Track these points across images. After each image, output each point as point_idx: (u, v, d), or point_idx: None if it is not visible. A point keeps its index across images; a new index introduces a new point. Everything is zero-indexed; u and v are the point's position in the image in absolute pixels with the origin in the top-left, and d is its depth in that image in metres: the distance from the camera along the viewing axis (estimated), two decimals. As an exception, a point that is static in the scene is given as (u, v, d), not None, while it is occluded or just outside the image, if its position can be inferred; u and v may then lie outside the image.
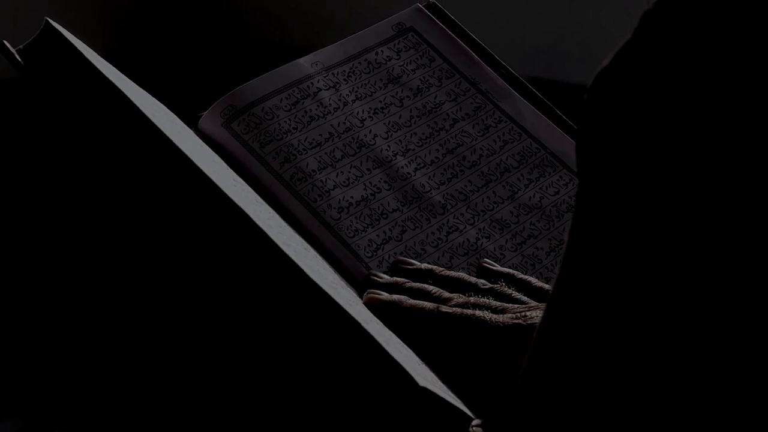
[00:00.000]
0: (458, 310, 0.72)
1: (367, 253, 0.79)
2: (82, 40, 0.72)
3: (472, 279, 0.77)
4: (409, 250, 0.80)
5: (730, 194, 0.45)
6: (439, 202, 0.83)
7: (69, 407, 0.69)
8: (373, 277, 0.77)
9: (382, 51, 0.90)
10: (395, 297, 0.74)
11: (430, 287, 0.75)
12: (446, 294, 0.75)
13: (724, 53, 0.46)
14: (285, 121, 0.84)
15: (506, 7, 1.55)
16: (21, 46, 0.73)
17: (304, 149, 0.83)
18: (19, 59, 0.72)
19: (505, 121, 0.88)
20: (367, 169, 0.83)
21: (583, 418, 0.49)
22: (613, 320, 0.48)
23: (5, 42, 0.72)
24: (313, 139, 0.84)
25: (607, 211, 0.48)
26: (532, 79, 1.13)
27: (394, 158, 0.84)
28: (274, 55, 0.86)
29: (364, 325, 0.64)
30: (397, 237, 0.81)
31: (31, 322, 0.69)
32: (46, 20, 0.72)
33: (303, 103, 0.86)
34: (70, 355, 0.69)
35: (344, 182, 0.82)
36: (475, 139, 0.87)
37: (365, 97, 0.87)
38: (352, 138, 0.85)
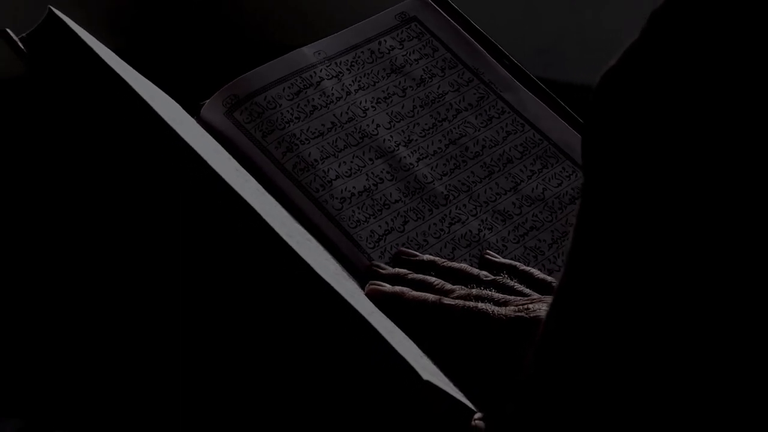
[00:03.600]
0: (460, 302, 0.72)
1: (369, 244, 0.79)
2: (89, 28, 0.72)
3: (475, 270, 0.77)
4: (412, 241, 0.80)
5: (735, 194, 0.45)
6: (442, 193, 0.83)
7: (69, 407, 0.69)
8: (375, 268, 0.77)
9: (385, 41, 0.90)
10: (397, 289, 0.74)
11: (432, 279, 0.75)
12: (448, 286, 0.75)
13: (732, 54, 0.46)
14: (287, 111, 0.84)
15: (506, 7, 1.55)
16: (24, 35, 0.72)
17: (306, 139, 0.83)
18: (23, 47, 0.72)
19: (508, 112, 0.88)
20: (370, 160, 0.83)
21: (589, 414, 0.49)
22: (617, 316, 0.48)
23: (8, 30, 0.71)
24: (316, 129, 0.84)
25: (613, 210, 0.48)
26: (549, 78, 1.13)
27: (396, 149, 0.84)
28: (275, 55, 0.86)
29: (366, 316, 0.64)
30: (399, 228, 0.80)
31: (31, 322, 0.69)
32: (50, 9, 0.72)
33: (306, 92, 0.85)
34: (70, 355, 0.69)
35: (346, 172, 0.82)
36: (478, 130, 0.87)
37: (368, 87, 0.87)
38: (355, 128, 0.85)
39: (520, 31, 1.50)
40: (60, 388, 0.69)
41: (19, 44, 0.72)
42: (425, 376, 0.61)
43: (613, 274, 0.48)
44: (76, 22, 0.68)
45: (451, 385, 0.66)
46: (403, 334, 0.69)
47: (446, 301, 0.72)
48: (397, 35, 0.90)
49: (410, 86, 0.88)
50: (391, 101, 0.87)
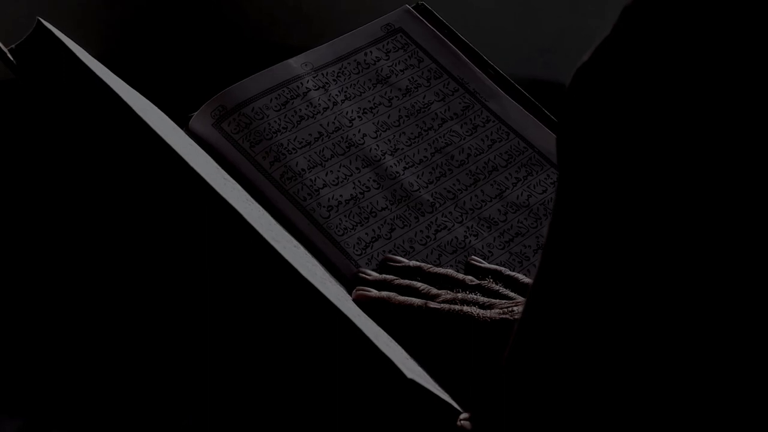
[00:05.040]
0: (446, 305, 0.73)
1: (357, 251, 0.80)
2: (77, 40, 0.73)
3: (460, 275, 0.78)
4: (398, 248, 0.81)
5: (707, 186, 0.46)
6: (428, 200, 0.84)
7: (69, 407, 0.69)
8: (362, 274, 0.78)
9: (371, 51, 0.91)
10: (384, 294, 0.75)
11: (419, 284, 0.76)
12: (434, 290, 0.75)
13: (702, 49, 0.47)
14: (275, 121, 0.85)
15: (506, 7, 1.56)
16: (13, 46, 0.73)
17: (293, 149, 0.84)
18: (11, 58, 0.73)
19: (493, 121, 0.89)
20: (356, 168, 0.84)
21: (564, 407, 0.50)
22: (590, 309, 0.49)
23: (-3, 41, 0.72)
24: (303, 139, 0.85)
25: (586, 204, 0.49)
26: (532, 79, 1.14)
27: (383, 157, 0.85)
28: (271, 55, 0.87)
29: (352, 319, 0.64)
30: (386, 235, 0.81)
31: (29, 321, 0.70)
32: (38, 20, 0.73)
33: (292, 103, 0.86)
34: (69, 354, 0.70)
35: (333, 181, 0.83)
36: (464, 139, 0.88)
37: (354, 97, 0.88)
38: (342, 137, 0.86)
39: (521, 32, 1.51)
40: (60, 388, 0.70)
41: (8, 55, 0.73)
42: (410, 375, 0.61)
43: (586, 266, 0.49)
44: (69, 26, 0.70)
45: (437, 386, 0.66)
46: (389, 337, 0.70)
47: (432, 304, 0.73)
48: (383, 46, 0.91)
49: (396, 96, 0.89)
50: (378, 111, 0.88)
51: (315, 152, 0.84)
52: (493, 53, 0.92)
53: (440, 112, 0.89)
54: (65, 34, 0.72)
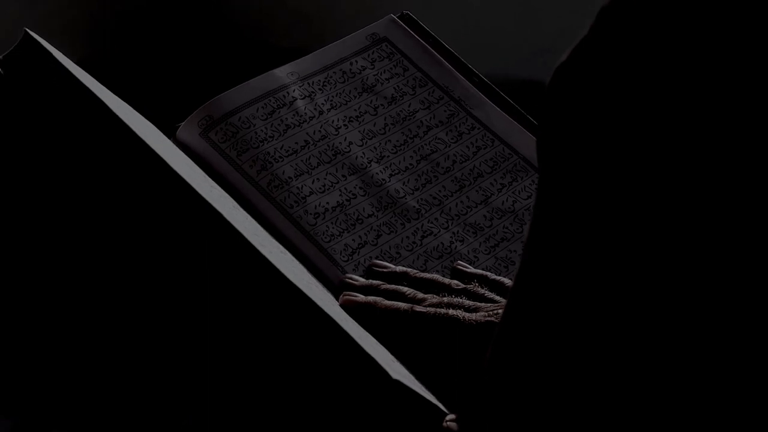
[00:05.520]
0: (432, 309, 0.74)
1: (343, 257, 0.81)
2: (62, 47, 0.73)
3: (446, 280, 0.78)
4: (385, 254, 0.82)
5: (681, 182, 0.47)
6: (414, 207, 0.85)
7: (67, 407, 0.70)
8: (348, 280, 0.78)
9: (357, 61, 0.92)
10: (370, 298, 0.75)
11: (405, 288, 0.77)
12: (420, 295, 0.76)
13: (677, 48, 0.47)
14: (261, 130, 0.86)
15: (505, 7, 1.56)
16: (0, 57, 0.74)
17: (280, 157, 0.85)
18: (-1, 69, 0.73)
19: (478, 128, 0.90)
20: (343, 176, 0.85)
21: (543, 406, 0.50)
22: (567, 309, 0.49)
23: (-16, 52, 0.73)
24: (290, 147, 0.85)
25: (564, 203, 0.49)
26: (532, 80, 1.15)
27: (369, 165, 0.86)
28: (258, 60, 0.87)
29: (338, 322, 0.65)
30: (372, 241, 0.82)
31: (29, 321, 0.70)
32: (25, 31, 0.74)
33: (279, 112, 0.87)
34: (69, 354, 0.70)
35: (320, 189, 0.84)
36: (449, 146, 0.89)
37: (340, 105, 0.89)
38: (328, 146, 0.86)
39: (521, 32, 1.51)
40: (59, 388, 0.70)
41: (-4, 66, 0.73)
42: (395, 376, 0.62)
43: (564, 265, 0.49)
44: (54, 33, 0.70)
45: (423, 388, 0.67)
46: (375, 341, 0.70)
47: (418, 308, 0.74)
48: (369, 55, 0.92)
49: (381, 105, 0.90)
50: (363, 119, 0.89)
51: (302, 160, 0.85)
52: (493, 54, 0.92)
53: (425, 119, 0.90)
54: (52, 42, 0.73)
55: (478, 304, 0.74)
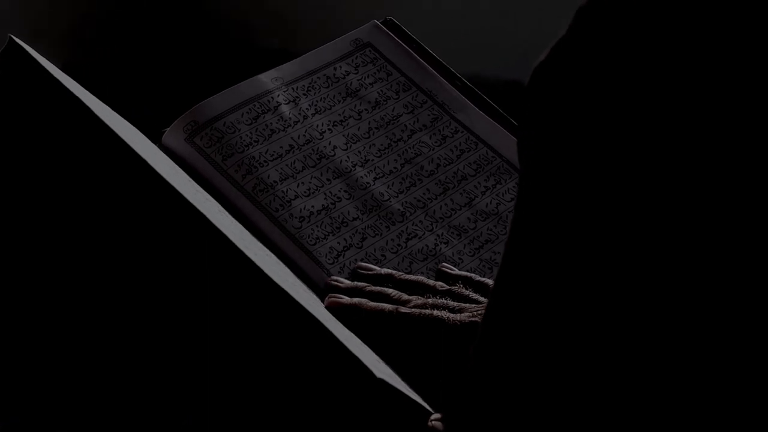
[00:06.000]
0: (416, 310, 0.74)
1: (329, 260, 0.81)
2: (47, 51, 0.74)
3: (431, 282, 0.79)
4: (370, 256, 0.82)
5: (660, 180, 0.47)
6: (398, 210, 0.85)
7: (68, 406, 0.70)
8: (334, 282, 0.79)
9: (341, 66, 0.92)
10: (355, 300, 0.76)
11: (390, 290, 0.77)
12: (405, 296, 0.77)
13: (652, 48, 0.48)
14: (246, 135, 0.86)
15: (504, 8, 1.57)
16: (-15, 63, 0.74)
17: (265, 161, 0.85)
18: (-16, 76, 0.74)
19: (462, 131, 0.91)
20: (327, 180, 0.85)
21: (525, 404, 0.51)
22: (547, 305, 0.50)
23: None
24: (275, 152, 0.86)
25: (544, 200, 0.50)
26: (515, 82, 1.15)
27: (353, 169, 0.87)
28: (248, 62, 0.88)
29: (323, 322, 0.65)
30: (357, 244, 0.83)
31: (28, 321, 0.71)
32: (10, 37, 0.74)
33: (264, 117, 0.88)
34: (69, 354, 0.71)
35: (305, 192, 0.84)
36: (433, 149, 0.89)
37: (324, 110, 0.90)
38: (312, 150, 0.87)
39: (520, 33, 1.52)
40: (59, 388, 0.70)
41: (-19, 72, 0.74)
42: (379, 375, 0.63)
43: (544, 263, 0.50)
44: (43, 36, 0.71)
45: (408, 388, 0.68)
46: (360, 341, 0.71)
47: (403, 309, 0.74)
48: (352, 61, 0.93)
49: (366, 109, 0.90)
50: (348, 124, 0.89)
51: (286, 164, 0.85)
52: (476, 57, 0.93)
53: (409, 123, 0.90)
54: (34, 48, 0.73)
55: (463, 305, 0.75)
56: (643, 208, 0.48)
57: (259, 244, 0.78)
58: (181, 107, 0.87)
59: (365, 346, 0.70)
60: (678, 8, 0.48)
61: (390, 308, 0.75)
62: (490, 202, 0.87)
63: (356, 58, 0.93)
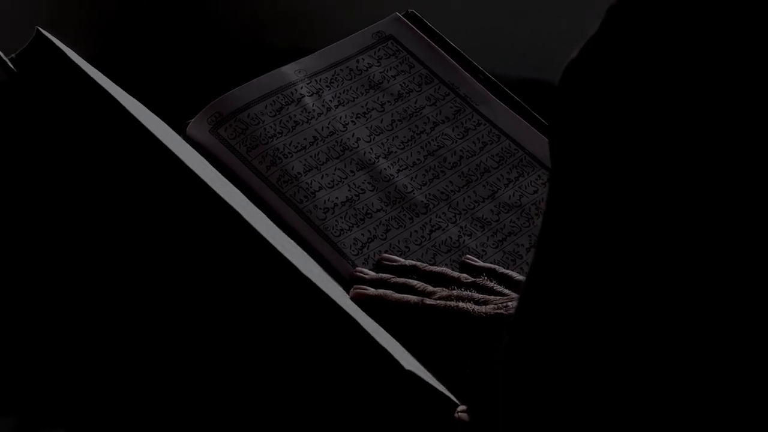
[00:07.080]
0: (442, 302, 0.75)
1: (353, 251, 0.82)
2: (72, 44, 0.74)
3: (455, 273, 0.79)
4: (394, 248, 0.83)
5: (695, 183, 0.48)
6: (422, 201, 0.86)
7: (68, 406, 0.71)
8: (359, 273, 0.79)
9: (363, 58, 0.93)
10: (380, 291, 0.76)
11: (415, 282, 0.78)
12: (430, 288, 0.77)
13: (686, 46, 0.48)
14: (270, 126, 0.87)
15: (504, 7, 1.58)
16: (13, 55, 0.75)
17: (289, 152, 0.86)
18: (12, 67, 0.74)
19: (484, 124, 0.91)
20: (351, 171, 0.86)
21: (557, 401, 0.51)
22: (582, 304, 0.50)
23: (-2, 50, 0.74)
24: (298, 143, 0.86)
25: (577, 200, 0.50)
26: (530, 80, 1.16)
27: (376, 160, 0.87)
28: (264, 59, 0.89)
29: (351, 314, 0.66)
30: (381, 236, 0.83)
31: (28, 321, 0.71)
32: (37, 29, 0.74)
33: (287, 108, 0.88)
34: (69, 354, 0.71)
35: (329, 184, 0.85)
36: (455, 142, 0.90)
37: (347, 102, 0.90)
38: (336, 141, 0.87)
39: (520, 32, 1.52)
40: (59, 388, 0.71)
41: (9, 64, 0.74)
42: (408, 367, 0.63)
43: (577, 263, 0.50)
44: (65, 31, 0.71)
45: (434, 379, 0.68)
46: (387, 333, 0.71)
47: (428, 301, 0.75)
48: (375, 53, 0.93)
49: (388, 101, 0.91)
50: (371, 116, 0.90)
51: (310, 156, 0.86)
52: (496, 52, 0.93)
53: (432, 116, 0.91)
54: (61, 40, 0.74)
55: (488, 297, 0.75)
56: (676, 209, 0.48)
57: (285, 236, 0.78)
58: (204, 99, 0.88)
59: (392, 338, 0.71)
60: (711, 5, 0.48)
61: (415, 300, 0.75)
62: (513, 195, 0.87)
63: (378, 50, 0.94)
